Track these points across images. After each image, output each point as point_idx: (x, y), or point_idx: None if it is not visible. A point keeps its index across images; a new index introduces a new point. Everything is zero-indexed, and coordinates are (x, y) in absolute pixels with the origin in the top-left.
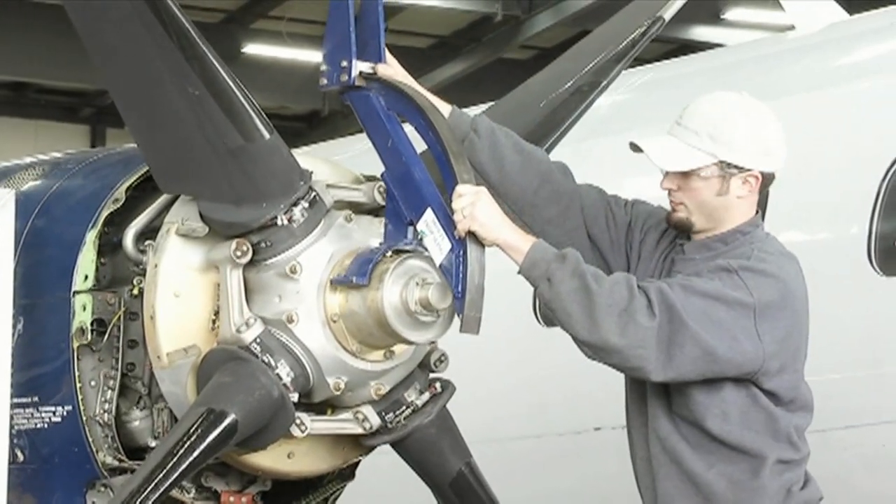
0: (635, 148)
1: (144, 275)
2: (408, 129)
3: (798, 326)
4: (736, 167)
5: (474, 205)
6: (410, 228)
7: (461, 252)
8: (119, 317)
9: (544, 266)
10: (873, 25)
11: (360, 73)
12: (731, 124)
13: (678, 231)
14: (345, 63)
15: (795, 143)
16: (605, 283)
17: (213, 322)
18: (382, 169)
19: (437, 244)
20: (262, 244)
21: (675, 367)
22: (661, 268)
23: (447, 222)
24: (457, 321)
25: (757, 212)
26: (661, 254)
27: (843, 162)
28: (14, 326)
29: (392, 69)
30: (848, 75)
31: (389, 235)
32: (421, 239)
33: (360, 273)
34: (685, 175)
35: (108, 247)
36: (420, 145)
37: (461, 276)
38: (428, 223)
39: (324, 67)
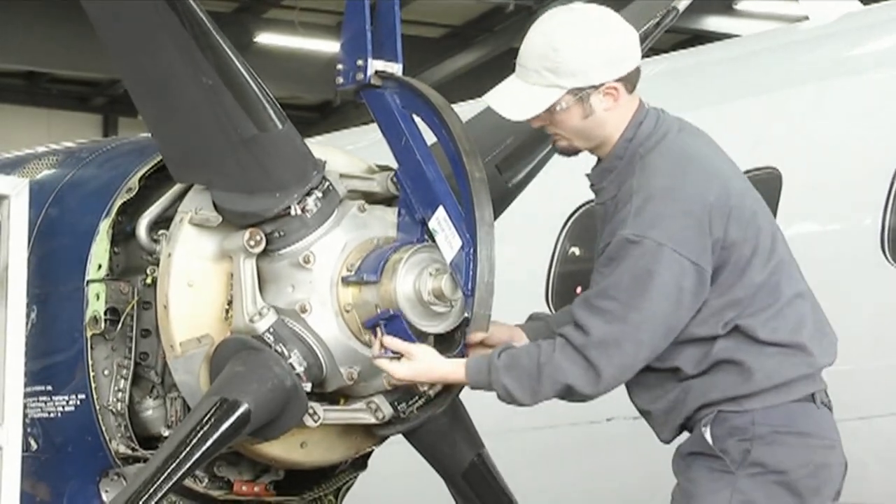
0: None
1: (158, 264)
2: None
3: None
4: (589, 87)
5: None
6: (422, 227)
7: (471, 250)
8: (132, 306)
9: (485, 380)
10: (888, 15)
11: (376, 71)
12: (565, 52)
13: (568, 156)
14: (361, 62)
15: (809, 133)
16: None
17: (227, 312)
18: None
19: (448, 242)
20: (276, 234)
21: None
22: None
23: (458, 220)
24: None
25: (639, 108)
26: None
27: (857, 152)
28: (28, 315)
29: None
30: (862, 66)
31: (403, 226)
32: (432, 236)
33: (371, 270)
34: (546, 111)
35: (122, 236)
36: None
37: (471, 273)
38: (439, 221)
39: (340, 66)
